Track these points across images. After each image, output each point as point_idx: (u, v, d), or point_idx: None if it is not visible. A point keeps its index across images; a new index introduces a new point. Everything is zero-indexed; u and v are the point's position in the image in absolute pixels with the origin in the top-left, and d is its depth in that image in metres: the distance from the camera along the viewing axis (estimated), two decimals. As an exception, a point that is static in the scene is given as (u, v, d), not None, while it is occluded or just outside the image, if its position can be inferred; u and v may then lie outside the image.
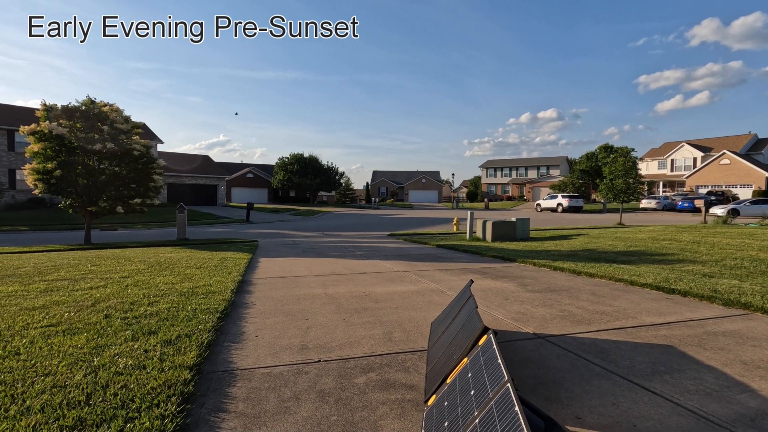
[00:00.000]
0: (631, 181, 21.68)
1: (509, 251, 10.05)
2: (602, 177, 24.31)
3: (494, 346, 2.07)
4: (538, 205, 39.83)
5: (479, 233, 14.15)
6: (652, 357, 3.16)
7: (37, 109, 13.51)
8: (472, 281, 3.84)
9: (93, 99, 13.54)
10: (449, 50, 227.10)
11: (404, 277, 6.72)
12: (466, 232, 15.24)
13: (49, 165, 12.66)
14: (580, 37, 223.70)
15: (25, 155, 13.00)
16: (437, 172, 76.06)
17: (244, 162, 64.69)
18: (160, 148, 38.74)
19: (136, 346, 3.13)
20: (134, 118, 14.82)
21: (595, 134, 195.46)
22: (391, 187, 75.67)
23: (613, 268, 7.11)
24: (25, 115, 31.27)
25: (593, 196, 54.05)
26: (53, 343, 3.19)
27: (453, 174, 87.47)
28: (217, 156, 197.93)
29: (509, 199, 63.40)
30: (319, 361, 3.08)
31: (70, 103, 13.47)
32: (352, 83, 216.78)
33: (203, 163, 44.04)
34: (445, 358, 2.62)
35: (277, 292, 5.56)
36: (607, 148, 61.76)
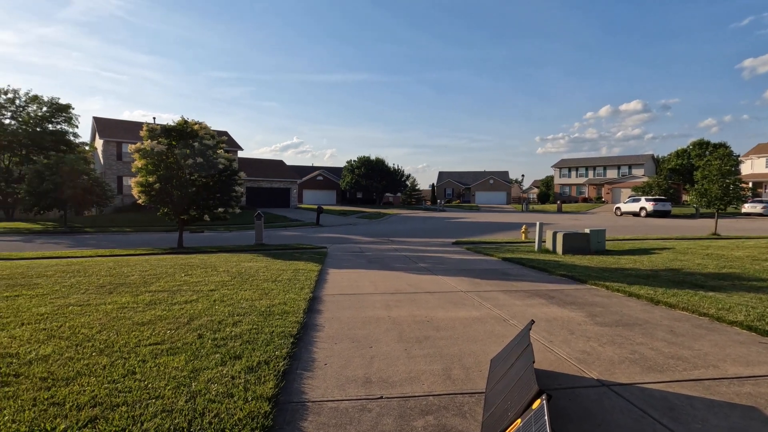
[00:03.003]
0: (729, 185, 19.37)
1: (580, 269, 9.60)
2: (695, 178, 22.00)
3: (545, 417, 2.14)
4: (618, 208, 37.03)
5: (549, 244, 13.63)
6: (729, 421, 2.97)
7: (145, 123, 15.36)
8: (532, 322, 3.85)
9: (186, 119, 15.12)
10: (520, 43, 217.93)
11: (467, 299, 6.78)
12: (534, 242, 14.74)
13: (150, 178, 14.39)
14: (670, 20, 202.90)
15: (132, 170, 14.88)
16: (506, 173, 73.61)
17: (314, 165, 67.66)
18: (240, 154, 41.91)
19: (224, 372, 3.60)
20: (217, 124, 16.60)
21: (688, 127, 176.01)
22: (457, 188, 74.66)
23: (698, 297, 6.56)
24: (131, 127, 35.56)
25: (684, 199, 49.03)
26: (160, 364, 3.77)
27: (523, 175, 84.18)
28: (291, 158, 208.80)
29: (585, 200, 59.55)
30: (381, 397, 3.31)
31: (167, 124, 15.20)
32: (419, 82, 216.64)
33: (277, 167, 46.92)
34: (500, 412, 2.71)
35: (344, 312, 5.93)
36: (703, 144, 55.54)
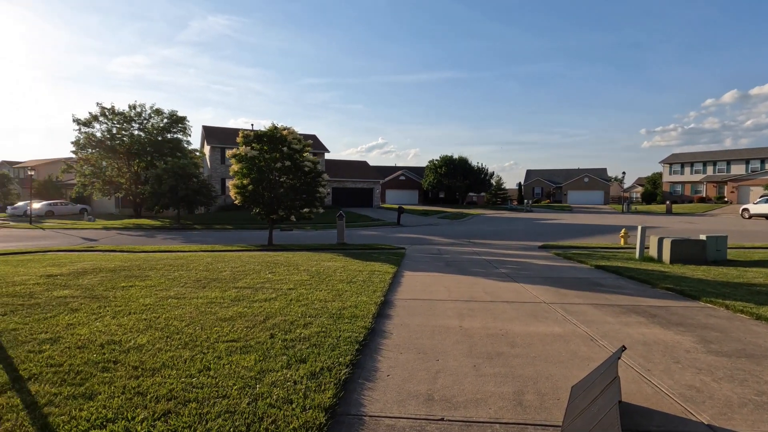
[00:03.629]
0: None
1: (692, 282, 8.29)
2: None
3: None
4: (746, 210, 31.68)
5: (653, 251, 12.05)
6: None
7: (241, 130, 16.74)
8: (623, 348, 3.32)
9: (276, 125, 16.16)
10: (623, 27, 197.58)
11: (549, 312, 6.19)
12: (635, 248, 13.14)
13: (245, 181, 15.63)
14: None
15: (230, 173, 16.31)
16: (603, 170, 67.35)
17: (397, 165, 68.47)
18: (326, 156, 43.91)
19: (288, 375, 3.67)
20: (308, 128, 17.46)
21: None
22: (546, 188, 70.14)
23: None
24: (233, 134, 39.19)
25: (839, 198, 40.35)
26: (232, 361, 3.97)
27: (624, 172, 75.98)
28: (375, 158, 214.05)
29: (702, 201, 51.97)
30: (442, 419, 3.09)
31: (260, 130, 16.40)
32: (505, 77, 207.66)
33: (361, 167, 48.34)
34: (576, 456, 2.34)
35: (414, 319, 5.77)
36: None
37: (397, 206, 36.30)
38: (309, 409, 3.08)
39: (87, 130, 33.02)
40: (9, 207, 36.62)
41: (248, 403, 3.15)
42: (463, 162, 53.14)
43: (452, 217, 34.70)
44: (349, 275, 8.86)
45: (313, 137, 42.64)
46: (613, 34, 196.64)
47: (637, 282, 8.61)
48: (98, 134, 33.26)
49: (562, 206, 54.46)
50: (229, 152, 16.02)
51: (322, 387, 3.45)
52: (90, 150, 33.49)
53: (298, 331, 4.93)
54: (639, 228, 12.58)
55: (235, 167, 15.84)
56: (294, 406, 3.13)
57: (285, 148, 15.80)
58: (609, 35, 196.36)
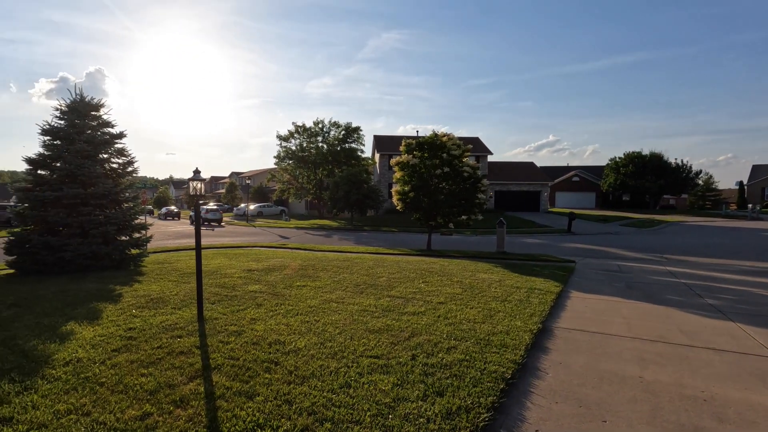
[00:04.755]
0: None
1: None
2: None
3: None
4: None
5: None
6: None
7: (404, 139, 17.56)
8: None
9: (436, 132, 16.36)
10: None
11: (787, 375, 4.45)
12: None
13: (406, 188, 16.27)
14: None
15: (393, 180, 17.24)
16: None
17: (569, 164, 61.93)
18: (489, 158, 42.60)
19: (422, 409, 3.46)
20: (471, 131, 17.39)
21: None
22: (787, 187, 53.19)
23: None
24: (400, 141, 41.64)
25: None
26: (372, 381, 3.99)
27: None
28: (545, 157, 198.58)
29: None
30: None
31: (422, 137, 16.85)
32: (719, 49, 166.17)
33: (527, 169, 45.32)
34: None
35: (577, 357, 4.89)
36: None
37: (568, 211, 32.72)
38: (438, 458, 2.81)
39: (285, 144, 39.86)
40: (234, 208, 46.99)
41: (378, 436, 3.07)
42: (655, 158, 44.65)
43: (639, 225, 29.38)
44: (504, 292, 8.21)
45: (476, 140, 41.92)
46: None
47: None
48: (293, 148, 39.73)
49: (814, 212, 40.45)
50: (392, 160, 16.92)
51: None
52: (287, 161, 40.30)
53: (440, 355, 4.70)
54: None
55: (397, 174, 16.63)
56: (422, 450, 2.90)
57: (444, 155, 15.83)
58: None
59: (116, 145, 12.06)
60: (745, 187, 56.03)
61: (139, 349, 4.85)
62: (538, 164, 49.38)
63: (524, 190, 41.91)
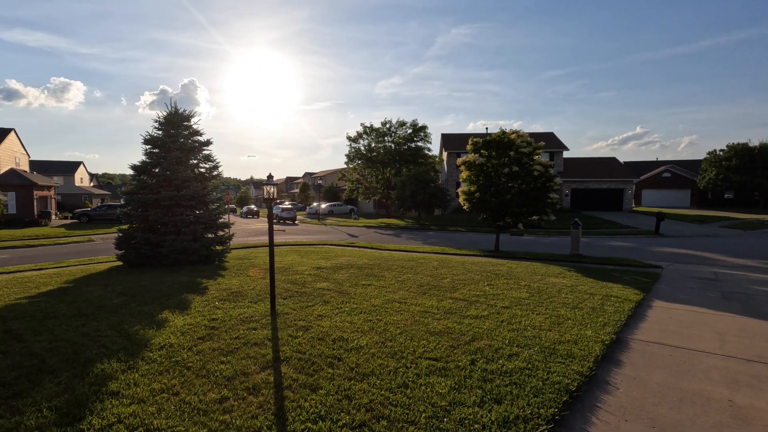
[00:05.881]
0: None
1: None
2: None
3: None
4: None
5: None
6: None
7: (471, 138, 17.25)
8: None
9: (504, 130, 15.84)
10: None
11: None
12: None
13: (472, 188, 15.96)
14: None
15: (459, 180, 16.99)
16: None
17: (658, 159, 56.26)
18: (565, 154, 40.15)
19: (479, 416, 3.45)
20: (546, 125, 16.80)
21: None
22: None
23: None
24: (467, 139, 40.84)
25: None
26: (429, 383, 4.04)
27: None
28: (630, 152, 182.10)
29: None
30: None
31: (490, 134, 16.41)
32: None
33: (608, 164, 41.96)
34: None
35: (654, 374, 4.52)
36: None
37: (656, 210, 29.81)
38: (491, 466, 2.80)
39: (354, 145, 40.96)
40: (307, 207, 49.34)
41: (432, 438, 3.12)
42: (765, 150, 38.99)
43: (744, 227, 25.89)
44: (576, 298, 7.78)
45: (550, 135, 39.72)
46: None
47: None
48: (362, 148, 40.72)
49: None
50: (458, 160, 16.69)
51: (513, 442, 3.08)
52: (356, 161, 41.40)
53: (501, 361, 4.62)
54: None
55: (463, 174, 16.38)
56: (476, 457, 2.91)
57: (512, 153, 15.28)
58: None
59: (204, 152, 13.36)
60: None
61: (220, 338, 5.37)
62: (622, 159, 45.47)
63: (604, 187, 38.85)
